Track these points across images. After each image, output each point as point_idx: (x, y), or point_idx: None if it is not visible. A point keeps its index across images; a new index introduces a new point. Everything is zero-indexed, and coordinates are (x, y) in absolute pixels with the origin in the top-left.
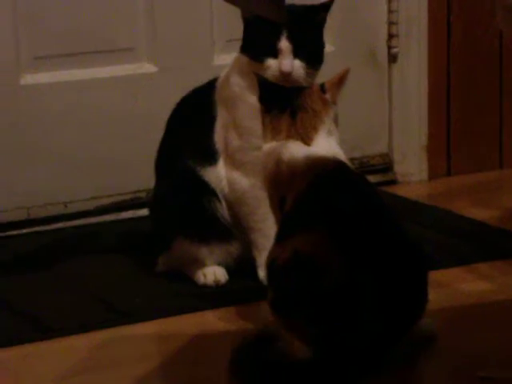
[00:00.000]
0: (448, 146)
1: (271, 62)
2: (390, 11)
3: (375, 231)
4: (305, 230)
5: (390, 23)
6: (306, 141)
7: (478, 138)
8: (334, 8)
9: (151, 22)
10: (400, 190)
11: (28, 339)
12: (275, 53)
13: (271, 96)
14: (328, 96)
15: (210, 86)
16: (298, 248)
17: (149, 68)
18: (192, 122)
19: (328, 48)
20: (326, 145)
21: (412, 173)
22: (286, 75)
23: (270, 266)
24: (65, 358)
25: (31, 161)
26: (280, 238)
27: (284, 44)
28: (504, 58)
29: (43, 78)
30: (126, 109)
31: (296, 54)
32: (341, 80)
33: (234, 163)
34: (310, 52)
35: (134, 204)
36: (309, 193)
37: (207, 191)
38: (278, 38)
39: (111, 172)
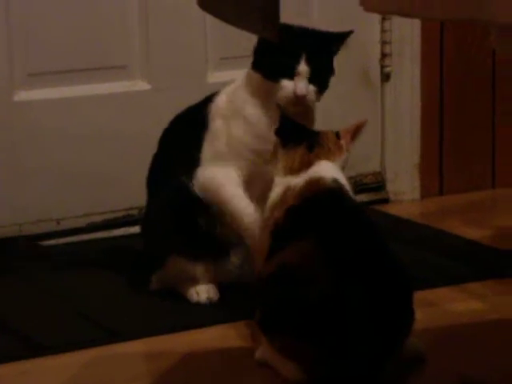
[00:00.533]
0: (440, 164)
1: (286, 83)
2: (382, 30)
3: (362, 248)
4: (292, 243)
5: (383, 42)
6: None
7: (470, 157)
8: (327, 27)
9: (145, 39)
10: (392, 209)
11: (18, 357)
12: (292, 74)
13: (289, 131)
14: (342, 143)
15: (205, 101)
16: (284, 259)
17: (142, 85)
18: (185, 138)
19: None
20: (329, 169)
21: (404, 191)
22: (300, 98)
23: (258, 282)
24: (55, 376)
25: (24, 177)
26: (268, 255)
27: (303, 67)
28: (496, 77)
29: (37, 94)
30: (119, 126)
31: (311, 78)
32: (356, 130)
33: (216, 163)
34: (322, 77)
35: (127, 221)
36: (299, 208)
37: (201, 207)
38: (297, 61)
39: (104, 189)
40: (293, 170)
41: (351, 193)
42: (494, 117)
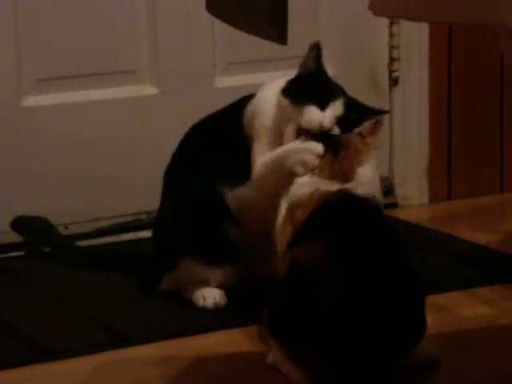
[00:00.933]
0: (449, 169)
1: (314, 109)
2: (391, 35)
3: (376, 252)
4: (305, 242)
5: (391, 47)
6: (349, 175)
7: (479, 161)
8: (336, 32)
9: (153, 44)
10: (400, 214)
11: (25, 362)
12: (324, 105)
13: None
14: (369, 140)
15: (236, 110)
16: (296, 256)
17: (150, 90)
18: (218, 143)
19: (329, 71)
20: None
21: (413, 196)
22: (324, 129)
23: (273, 286)
24: (62, 381)
25: (31, 182)
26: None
27: (338, 105)
28: (505, 82)
29: (45, 100)
30: (127, 131)
31: (339, 119)
32: (374, 127)
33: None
34: (346, 126)
35: (135, 226)
36: (315, 213)
37: (224, 212)
38: (334, 98)
39: (112, 194)
40: (323, 174)
41: (379, 201)
42: (502, 121)
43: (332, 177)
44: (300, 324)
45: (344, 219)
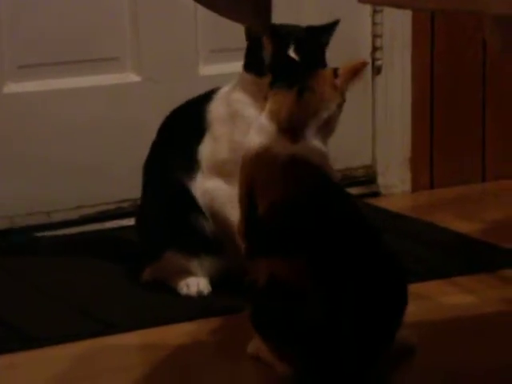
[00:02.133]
0: (431, 158)
1: None
2: (373, 24)
3: (355, 251)
4: (283, 251)
5: (374, 36)
6: (298, 132)
7: (461, 150)
8: (319, 20)
9: (136, 31)
10: (383, 202)
11: (10, 349)
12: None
13: (283, 70)
14: (337, 81)
15: (206, 98)
16: (275, 272)
17: (133, 78)
18: (183, 134)
19: None
20: (313, 141)
21: (395, 185)
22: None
23: (250, 285)
24: (47, 368)
25: (14, 169)
26: (254, 248)
27: (292, 54)
28: (487, 71)
29: (27, 86)
30: (110, 118)
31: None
32: (354, 70)
33: (219, 173)
34: (312, 67)
35: (119, 214)
36: (287, 206)
37: (195, 205)
38: (285, 51)
39: (95, 181)
40: (279, 122)
41: (334, 175)
42: (484, 110)
43: (287, 126)
44: (282, 325)
45: (310, 213)
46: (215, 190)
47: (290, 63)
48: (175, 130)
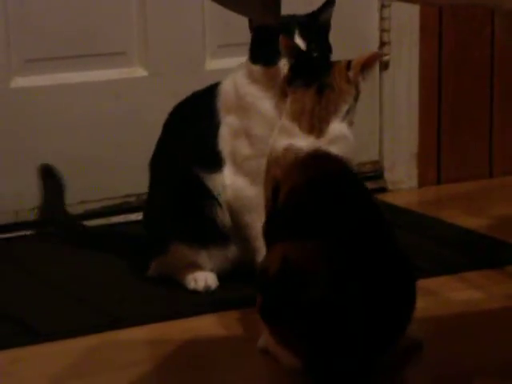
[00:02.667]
0: (438, 153)
1: (285, 61)
2: (381, 18)
3: (366, 242)
4: (296, 236)
5: (382, 30)
6: (321, 128)
7: (468, 146)
8: None
9: (143, 26)
10: (390, 198)
11: (17, 343)
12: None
13: (300, 67)
14: (351, 74)
15: (211, 91)
16: (287, 255)
17: (140, 72)
18: (194, 128)
19: None
20: (337, 133)
21: (402, 180)
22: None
23: (261, 274)
24: (53, 362)
25: (20, 164)
26: (271, 238)
27: (298, 40)
28: (495, 66)
29: (34, 81)
30: (116, 113)
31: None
32: (368, 61)
33: (241, 171)
34: (321, 51)
35: (124, 208)
36: (303, 193)
37: (208, 196)
38: (291, 37)
39: (102, 176)
40: (302, 122)
41: (354, 168)
42: (492, 106)
43: (310, 124)
44: (291, 313)
45: (326, 198)
46: (239, 190)
47: (305, 58)
48: (183, 123)
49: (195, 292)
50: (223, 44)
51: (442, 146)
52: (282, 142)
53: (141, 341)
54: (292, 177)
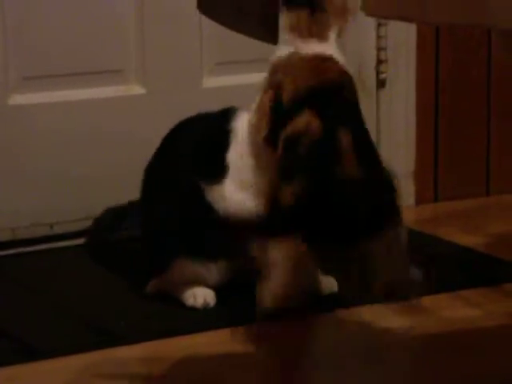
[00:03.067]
0: (435, 171)
1: None
2: (378, 37)
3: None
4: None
5: (379, 49)
6: (323, 33)
7: (465, 164)
8: None
9: (141, 44)
10: None
11: (12, 361)
12: None
13: None
14: None
15: (225, 115)
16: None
17: (138, 90)
18: (198, 143)
19: None
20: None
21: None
22: None
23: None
24: (49, 380)
25: (17, 181)
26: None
27: None
28: (492, 84)
29: (32, 98)
30: (114, 130)
31: None
32: None
33: (247, 190)
34: None
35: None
36: (310, 93)
37: (208, 208)
38: None
39: (98, 193)
40: (300, 33)
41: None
42: (489, 124)
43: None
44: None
45: (326, 98)
46: (241, 204)
47: None
48: (187, 139)
49: (193, 309)
50: (221, 62)
51: (440, 164)
52: (283, 51)
53: (137, 358)
54: (298, 78)
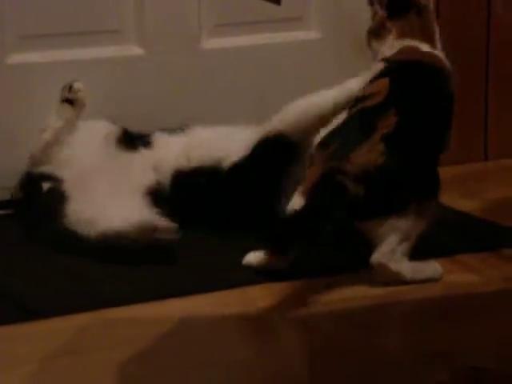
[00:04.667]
0: None
1: None
2: None
3: None
4: None
5: None
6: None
7: (463, 129)
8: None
9: (139, 3)
10: None
11: (9, 320)
12: None
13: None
14: None
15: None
16: None
17: (135, 50)
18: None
19: (315, 35)
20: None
21: None
22: None
23: None
24: (47, 340)
25: (15, 140)
26: None
27: None
28: (491, 50)
29: (29, 57)
30: (111, 91)
31: None
32: None
33: None
34: None
35: None
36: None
37: None
38: None
39: None
40: (413, 37)
41: None
42: (487, 89)
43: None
44: None
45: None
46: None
47: None
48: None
49: (192, 270)
50: (220, 23)
51: None
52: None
53: (134, 319)
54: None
